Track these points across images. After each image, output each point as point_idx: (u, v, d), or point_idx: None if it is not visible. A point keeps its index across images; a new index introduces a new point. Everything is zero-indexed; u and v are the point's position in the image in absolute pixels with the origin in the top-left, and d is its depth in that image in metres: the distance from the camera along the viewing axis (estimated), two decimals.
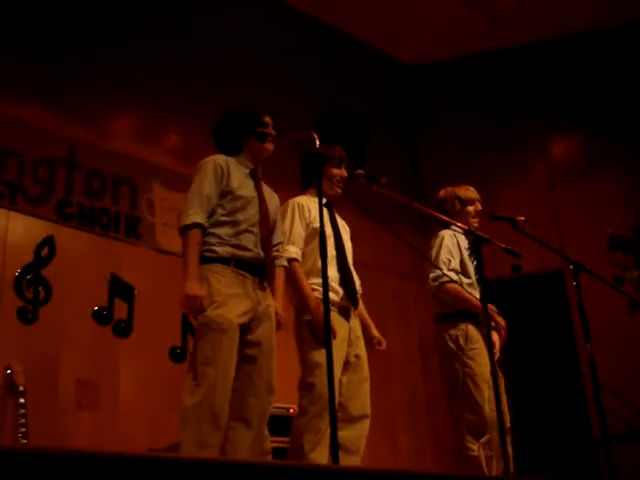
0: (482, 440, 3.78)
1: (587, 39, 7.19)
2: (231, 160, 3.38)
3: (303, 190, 3.86)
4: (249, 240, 3.24)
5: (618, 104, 6.96)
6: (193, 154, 4.88)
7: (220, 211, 3.25)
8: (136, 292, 4.97)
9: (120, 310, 4.91)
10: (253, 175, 3.41)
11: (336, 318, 3.49)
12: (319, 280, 3.41)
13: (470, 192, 4.23)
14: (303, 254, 3.63)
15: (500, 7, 6.81)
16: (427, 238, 4.24)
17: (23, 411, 4.09)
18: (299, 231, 3.63)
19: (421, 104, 7.83)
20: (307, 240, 3.64)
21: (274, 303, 3.32)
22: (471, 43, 7.33)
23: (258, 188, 3.39)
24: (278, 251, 3.47)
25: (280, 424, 3.78)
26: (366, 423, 3.54)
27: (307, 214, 3.66)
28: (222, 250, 3.18)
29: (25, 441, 3.97)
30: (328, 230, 3.59)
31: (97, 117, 5.27)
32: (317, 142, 2.98)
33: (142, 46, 5.53)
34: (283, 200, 3.71)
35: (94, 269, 4.88)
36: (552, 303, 6.83)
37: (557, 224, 6.84)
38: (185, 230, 3.16)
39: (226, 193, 3.28)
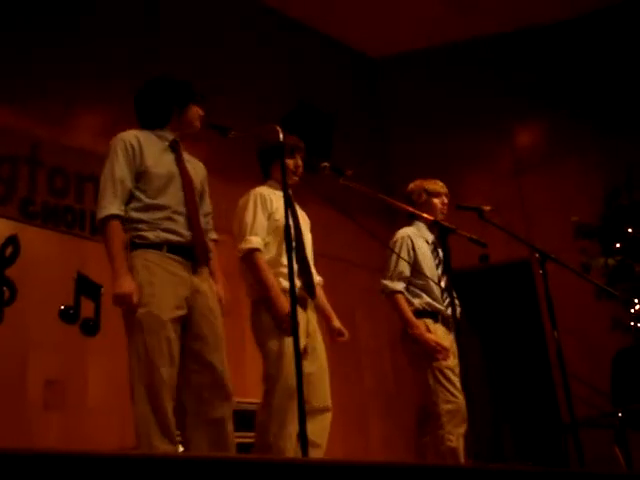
0: (461, 431, 3.79)
1: (552, 29, 7.26)
2: (145, 135, 3.07)
3: (263, 181, 3.79)
4: (179, 223, 2.99)
5: (583, 93, 7.03)
6: None
7: (143, 196, 2.98)
8: (103, 290, 4.92)
9: (87, 309, 4.86)
10: (173, 148, 3.11)
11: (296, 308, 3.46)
12: (279, 270, 3.45)
13: (438, 186, 4.25)
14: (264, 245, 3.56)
15: None
16: (395, 230, 4.24)
17: None
18: (262, 222, 3.54)
19: (387, 96, 7.85)
20: (267, 231, 3.55)
21: (215, 287, 3.11)
22: (436, 34, 7.37)
23: (179, 162, 3.09)
24: (208, 223, 3.23)
25: (249, 420, 3.72)
26: (328, 416, 3.48)
27: (269, 205, 3.58)
28: (153, 235, 2.93)
29: None
30: (289, 222, 3.57)
31: (59, 114, 5.20)
32: (280, 135, 2.96)
33: (105, 42, 5.46)
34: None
35: (59, 268, 4.82)
36: (520, 292, 6.89)
37: (523, 213, 6.89)
38: (102, 224, 2.94)
39: (141, 173, 2.98)
